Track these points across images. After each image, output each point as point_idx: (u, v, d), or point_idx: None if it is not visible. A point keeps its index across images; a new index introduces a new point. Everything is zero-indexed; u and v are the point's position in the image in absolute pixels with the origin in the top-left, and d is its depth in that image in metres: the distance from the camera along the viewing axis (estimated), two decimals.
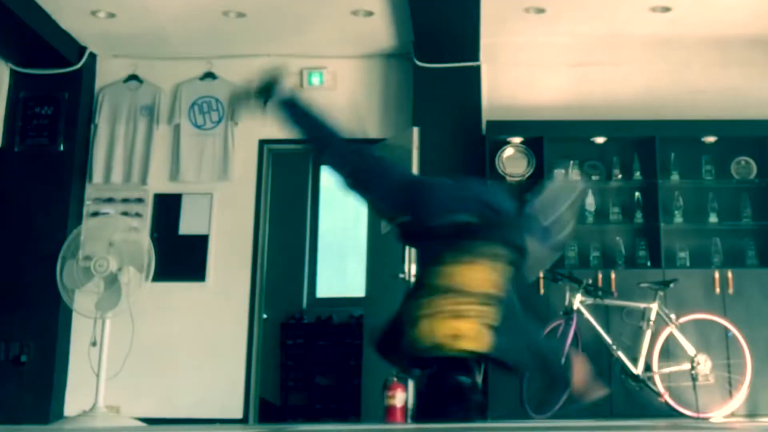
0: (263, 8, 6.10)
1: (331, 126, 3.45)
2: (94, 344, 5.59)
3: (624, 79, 6.63)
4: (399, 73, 6.79)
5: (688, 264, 6.23)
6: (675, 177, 6.36)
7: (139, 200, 6.59)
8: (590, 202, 6.34)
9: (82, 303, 5.68)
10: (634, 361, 5.62)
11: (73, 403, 6.07)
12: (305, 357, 7.99)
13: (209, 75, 6.78)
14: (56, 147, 6.58)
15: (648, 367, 5.65)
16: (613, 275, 5.99)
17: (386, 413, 5.56)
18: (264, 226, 6.68)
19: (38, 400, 6.11)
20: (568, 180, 3.61)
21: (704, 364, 5.66)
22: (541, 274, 5.90)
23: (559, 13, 6.22)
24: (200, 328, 6.38)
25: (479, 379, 3.13)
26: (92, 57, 6.78)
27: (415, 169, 6.20)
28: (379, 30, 6.44)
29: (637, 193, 6.38)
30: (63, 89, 6.64)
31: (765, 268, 6.17)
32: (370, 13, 6.16)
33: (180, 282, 6.41)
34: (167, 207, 6.59)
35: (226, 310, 6.43)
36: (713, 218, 6.30)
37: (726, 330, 5.78)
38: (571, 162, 6.42)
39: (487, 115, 6.51)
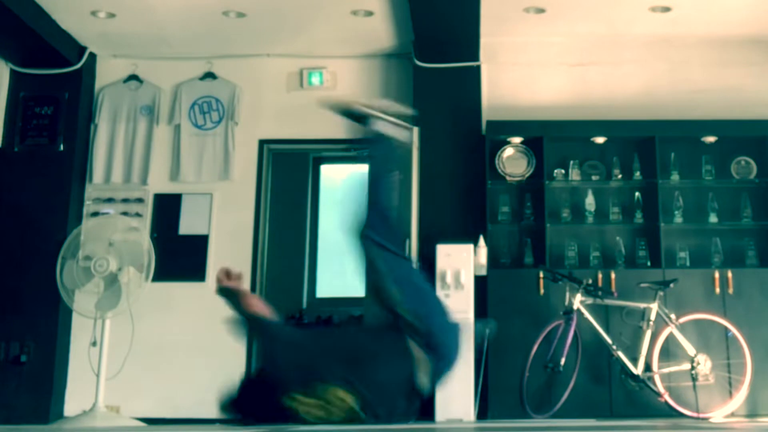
0: (263, 8, 6.10)
1: None
2: (94, 344, 5.59)
3: (624, 79, 6.63)
4: (399, 73, 6.79)
5: (688, 264, 6.23)
6: (675, 177, 6.36)
7: (139, 200, 6.59)
8: (590, 202, 6.34)
9: (82, 303, 5.68)
10: (634, 361, 5.62)
11: (73, 403, 6.08)
12: None
13: (209, 75, 6.78)
14: (56, 147, 6.58)
15: (648, 367, 5.65)
16: (613, 275, 5.99)
17: None
18: (264, 226, 6.67)
19: (38, 400, 6.10)
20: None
21: (704, 364, 5.66)
22: (542, 275, 5.92)
23: (558, 13, 6.22)
24: (200, 328, 6.36)
25: None
26: (92, 57, 6.78)
27: (415, 169, 6.21)
28: (379, 30, 6.44)
29: (637, 193, 6.38)
30: (63, 89, 6.64)
31: (765, 268, 6.17)
32: (370, 13, 6.16)
33: (180, 282, 6.41)
34: (167, 207, 6.59)
35: (226, 310, 6.41)
36: (713, 218, 6.30)
37: (726, 330, 5.79)
38: (571, 162, 6.44)
39: (487, 115, 6.51)
